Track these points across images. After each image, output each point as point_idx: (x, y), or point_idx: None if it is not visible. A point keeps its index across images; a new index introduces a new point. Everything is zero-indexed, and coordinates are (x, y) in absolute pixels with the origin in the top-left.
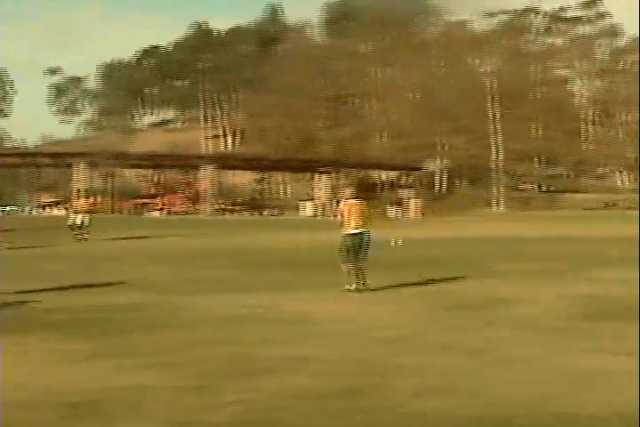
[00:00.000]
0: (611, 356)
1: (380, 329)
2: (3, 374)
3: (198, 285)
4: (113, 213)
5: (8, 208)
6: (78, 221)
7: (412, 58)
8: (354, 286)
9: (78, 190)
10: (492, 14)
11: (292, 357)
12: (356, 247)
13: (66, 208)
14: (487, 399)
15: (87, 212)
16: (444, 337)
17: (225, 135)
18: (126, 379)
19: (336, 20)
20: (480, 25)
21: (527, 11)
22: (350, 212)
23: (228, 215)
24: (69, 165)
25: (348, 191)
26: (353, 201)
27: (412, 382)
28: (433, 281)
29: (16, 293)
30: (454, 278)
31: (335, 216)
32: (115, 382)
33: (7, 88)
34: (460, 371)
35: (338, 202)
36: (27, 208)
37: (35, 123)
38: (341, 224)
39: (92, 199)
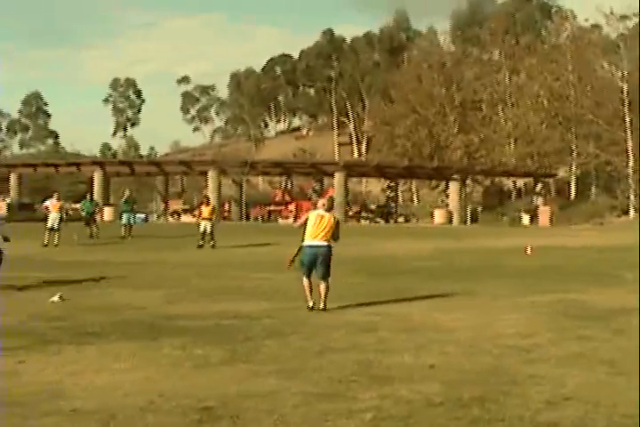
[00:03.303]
0: None
1: (512, 337)
2: (135, 379)
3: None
4: (242, 220)
5: (139, 216)
6: (201, 229)
7: (542, 63)
8: (311, 303)
9: (206, 198)
10: (624, 17)
11: (424, 364)
12: (314, 261)
13: (194, 215)
14: (623, 410)
15: (210, 219)
16: (576, 346)
17: (354, 142)
18: (260, 384)
19: (464, 27)
20: (613, 28)
21: None
22: (317, 223)
23: (357, 222)
24: (200, 173)
25: (322, 202)
26: (322, 212)
27: (546, 390)
28: (561, 290)
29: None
30: (582, 287)
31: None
32: (249, 388)
33: (135, 98)
34: (595, 381)
35: (468, 209)
36: (156, 216)
37: (163, 131)
38: (302, 234)
39: (212, 206)
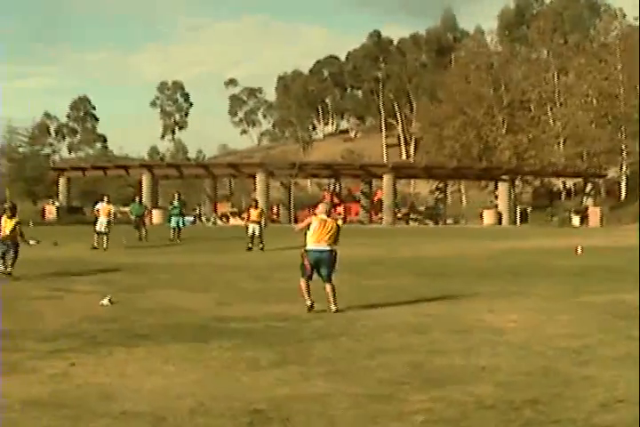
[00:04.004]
0: None
1: (563, 338)
2: (186, 381)
3: (375, 293)
4: (291, 222)
5: (187, 218)
6: (250, 232)
7: (591, 62)
8: (309, 302)
9: (254, 200)
10: None
11: (476, 366)
12: (318, 264)
13: (242, 218)
14: None
15: (258, 222)
16: (627, 347)
17: (402, 144)
18: (310, 387)
19: (512, 27)
20: None
21: None
22: (321, 227)
23: (406, 224)
24: (248, 176)
25: (322, 207)
26: (324, 217)
27: (599, 393)
28: (612, 290)
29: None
30: (633, 288)
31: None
32: (299, 390)
33: (182, 101)
34: None
35: (517, 210)
36: (205, 219)
37: (211, 134)
38: (305, 238)
39: (260, 209)
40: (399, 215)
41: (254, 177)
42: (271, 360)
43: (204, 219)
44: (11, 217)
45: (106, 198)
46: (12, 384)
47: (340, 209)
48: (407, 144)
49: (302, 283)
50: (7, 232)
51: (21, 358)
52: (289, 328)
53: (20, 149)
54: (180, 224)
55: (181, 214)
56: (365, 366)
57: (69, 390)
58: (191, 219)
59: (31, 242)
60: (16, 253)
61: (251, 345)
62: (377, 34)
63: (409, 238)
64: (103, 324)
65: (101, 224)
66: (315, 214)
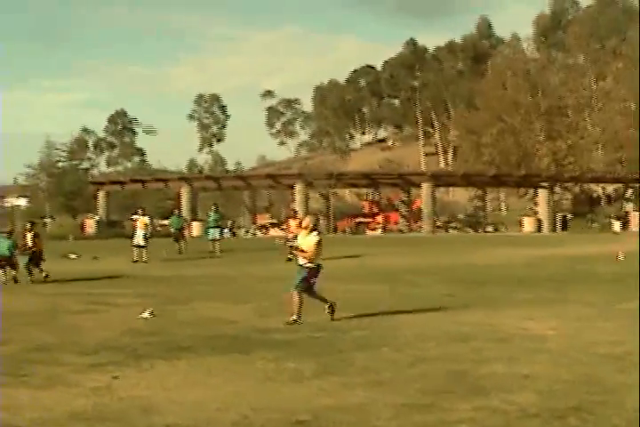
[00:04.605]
0: None
1: (605, 345)
2: (228, 393)
3: (414, 302)
4: (330, 232)
5: (226, 230)
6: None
7: (628, 66)
8: (294, 317)
9: (293, 211)
10: None
11: (518, 374)
12: (303, 279)
13: (282, 229)
14: None
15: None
16: None
17: (440, 152)
18: (352, 397)
19: (548, 33)
20: None
21: None
22: (305, 243)
23: (445, 232)
24: (287, 187)
25: (308, 219)
26: (305, 233)
27: None
28: None
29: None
30: None
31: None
32: (341, 401)
33: (220, 113)
34: None
35: (557, 217)
36: (244, 230)
37: (249, 146)
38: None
39: (299, 220)
40: (439, 224)
41: (293, 188)
42: (313, 371)
43: (242, 230)
44: (30, 231)
45: (141, 211)
46: (55, 398)
47: (380, 218)
48: (445, 152)
49: (296, 296)
50: (30, 244)
51: (63, 372)
52: (329, 338)
53: (59, 164)
54: (219, 236)
55: (220, 226)
56: (407, 376)
57: (112, 404)
58: (230, 231)
59: (71, 256)
60: (39, 259)
61: (292, 356)
62: (413, 42)
63: (448, 246)
64: (144, 337)
65: (138, 237)
66: (305, 228)
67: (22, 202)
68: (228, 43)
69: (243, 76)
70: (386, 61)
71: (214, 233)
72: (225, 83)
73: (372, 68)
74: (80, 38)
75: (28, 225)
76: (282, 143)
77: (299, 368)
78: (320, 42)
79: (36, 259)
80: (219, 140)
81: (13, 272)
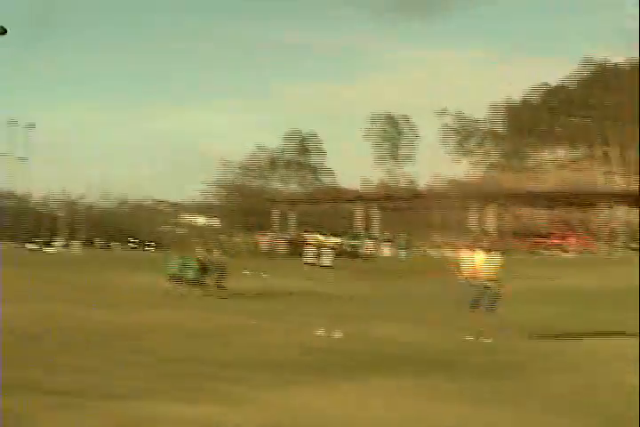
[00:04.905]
0: None
1: None
2: (408, 415)
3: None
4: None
5: (407, 250)
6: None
7: None
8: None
9: (478, 231)
10: None
11: None
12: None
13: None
14: None
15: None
16: None
17: (622, 171)
18: (536, 421)
19: None
20: None
21: None
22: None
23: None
24: (467, 206)
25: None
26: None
27: None
28: None
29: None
30: None
31: None
32: (528, 423)
33: (395, 133)
34: None
35: None
36: (425, 249)
37: (426, 165)
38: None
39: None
40: (633, 245)
41: (473, 207)
42: (497, 393)
43: (424, 250)
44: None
45: (313, 229)
46: (242, 415)
47: (572, 239)
48: (628, 171)
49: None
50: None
51: (246, 389)
52: (512, 361)
53: (236, 182)
54: (403, 256)
55: (404, 247)
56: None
57: (303, 422)
58: (410, 250)
59: (246, 273)
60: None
61: (470, 378)
62: (590, 59)
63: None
64: (324, 354)
65: (312, 255)
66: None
67: (201, 220)
68: (406, 62)
69: (421, 95)
70: (564, 79)
71: (401, 253)
72: (400, 102)
73: (549, 85)
74: (251, 61)
75: (215, 243)
76: (458, 161)
77: (478, 389)
78: (496, 59)
79: (218, 276)
80: (394, 159)
81: (195, 289)
